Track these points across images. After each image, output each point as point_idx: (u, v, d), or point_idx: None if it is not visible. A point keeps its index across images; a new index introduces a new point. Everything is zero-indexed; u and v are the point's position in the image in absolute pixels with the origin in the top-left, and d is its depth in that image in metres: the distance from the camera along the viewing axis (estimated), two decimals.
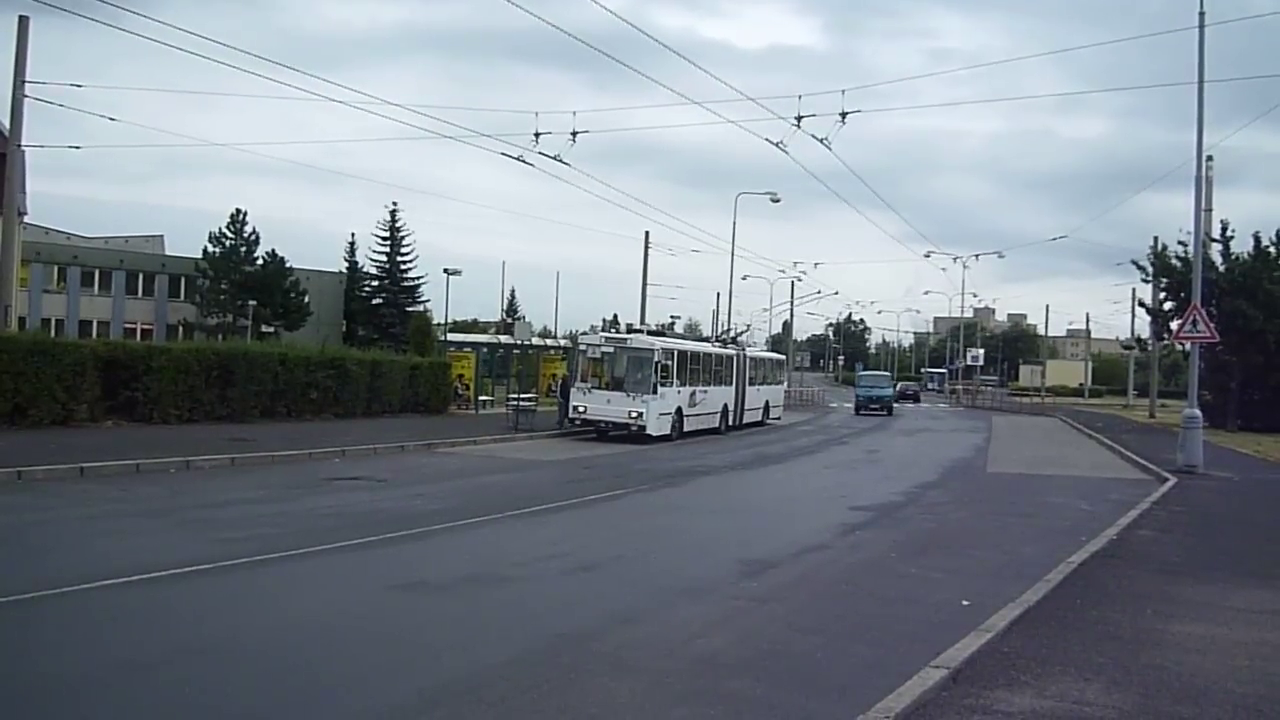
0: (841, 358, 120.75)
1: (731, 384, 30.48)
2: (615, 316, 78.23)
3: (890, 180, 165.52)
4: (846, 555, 10.46)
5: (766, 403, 34.59)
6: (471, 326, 69.90)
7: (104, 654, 5.99)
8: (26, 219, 28.02)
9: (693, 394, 26.78)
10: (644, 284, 41.33)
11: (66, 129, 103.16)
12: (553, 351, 36.81)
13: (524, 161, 23.81)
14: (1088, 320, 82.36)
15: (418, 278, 67.39)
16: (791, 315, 63.89)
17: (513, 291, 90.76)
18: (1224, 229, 34.73)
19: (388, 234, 66.90)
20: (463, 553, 9.96)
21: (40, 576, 7.60)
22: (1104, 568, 9.40)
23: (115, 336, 44.91)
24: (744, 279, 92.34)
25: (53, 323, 49.67)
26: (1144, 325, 44.41)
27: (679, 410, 25.72)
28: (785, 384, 42.56)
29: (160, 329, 55.75)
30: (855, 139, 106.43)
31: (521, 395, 26.70)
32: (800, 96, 27.47)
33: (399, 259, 67.06)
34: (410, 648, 6.43)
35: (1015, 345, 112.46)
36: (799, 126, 22.23)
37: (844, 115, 21.81)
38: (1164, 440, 25.81)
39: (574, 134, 23.15)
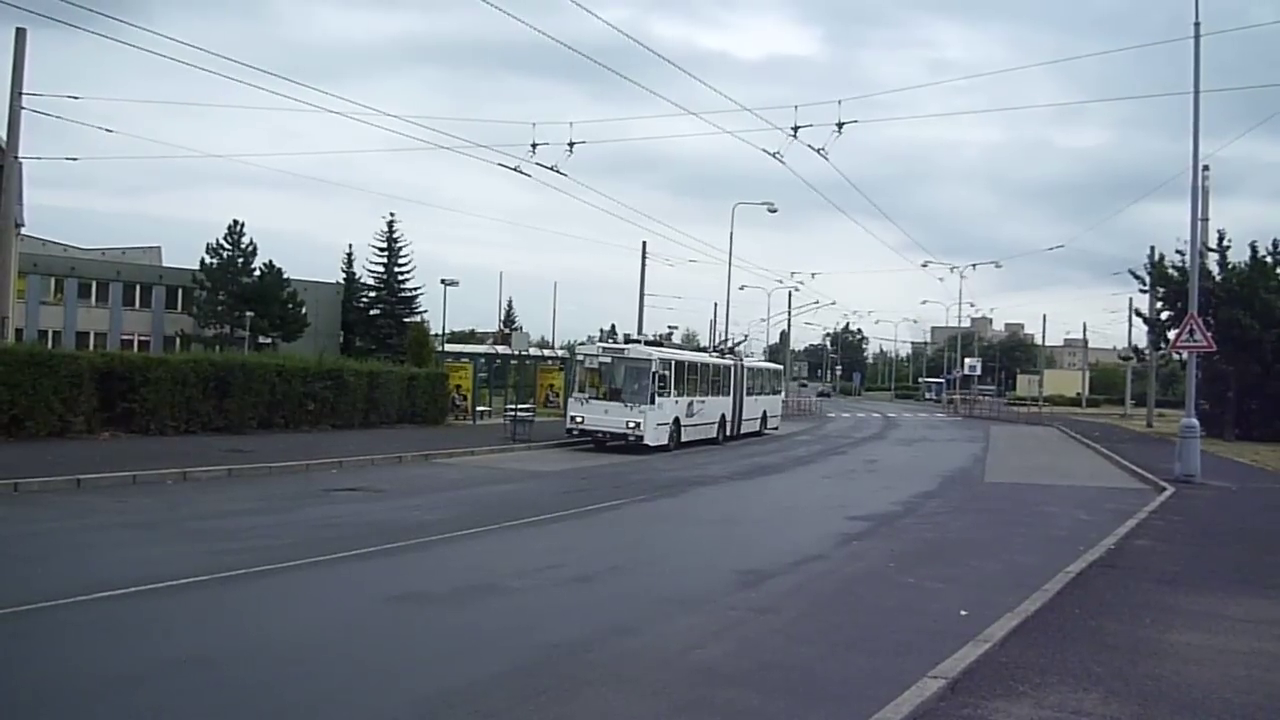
0: (839, 367, 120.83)
1: (729, 394, 30.49)
2: (613, 327, 78.41)
3: (888, 190, 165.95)
4: (844, 565, 10.45)
5: (764, 413, 34.61)
6: (469, 337, 69.95)
7: (99, 666, 5.97)
8: (23, 230, 27.98)
9: (690, 404, 26.79)
10: (641, 294, 41.36)
11: (64, 141, 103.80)
12: (550, 362, 36.81)
13: (521, 172, 23.89)
14: (1085, 330, 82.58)
15: (415, 288, 67.54)
16: (789, 325, 63.86)
17: (510, 302, 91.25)
18: (1221, 239, 34.91)
19: (385, 245, 67.01)
20: (460, 563, 9.94)
21: (36, 589, 7.59)
22: (1102, 577, 9.41)
23: (112, 348, 44.88)
24: (741, 289, 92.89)
25: (50, 334, 49.70)
26: (1141, 335, 44.57)
27: (676, 420, 25.72)
28: (783, 394, 42.58)
29: (157, 340, 55.72)
30: (854, 149, 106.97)
31: (519, 405, 26.69)
32: (797, 107, 27.53)
33: (396, 269, 67.16)
34: (407, 658, 6.42)
35: (1013, 355, 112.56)
36: (795, 137, 22.31)
37: (840, 125, 21.86)
38: (1161, 450, 25.81)
39: (571, 145, 23.23)
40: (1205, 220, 32.35)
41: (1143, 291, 38.41)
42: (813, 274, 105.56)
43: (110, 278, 56.85)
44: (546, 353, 42.44)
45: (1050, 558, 10.60)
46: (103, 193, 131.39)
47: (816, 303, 62.74)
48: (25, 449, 16.17)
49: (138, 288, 57.92)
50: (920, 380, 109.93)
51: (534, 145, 23.23)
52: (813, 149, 22.60)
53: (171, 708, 5.34)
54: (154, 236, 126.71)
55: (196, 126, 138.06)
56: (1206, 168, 30.24)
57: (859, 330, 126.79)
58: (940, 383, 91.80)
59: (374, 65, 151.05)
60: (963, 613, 8.09)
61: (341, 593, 8.40)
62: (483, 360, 33.16)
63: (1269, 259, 34.32)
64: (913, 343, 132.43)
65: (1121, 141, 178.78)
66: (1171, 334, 31.71)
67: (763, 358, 51.83)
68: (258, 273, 57.35)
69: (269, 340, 55.35)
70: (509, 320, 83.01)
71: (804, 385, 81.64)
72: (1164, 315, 36.95)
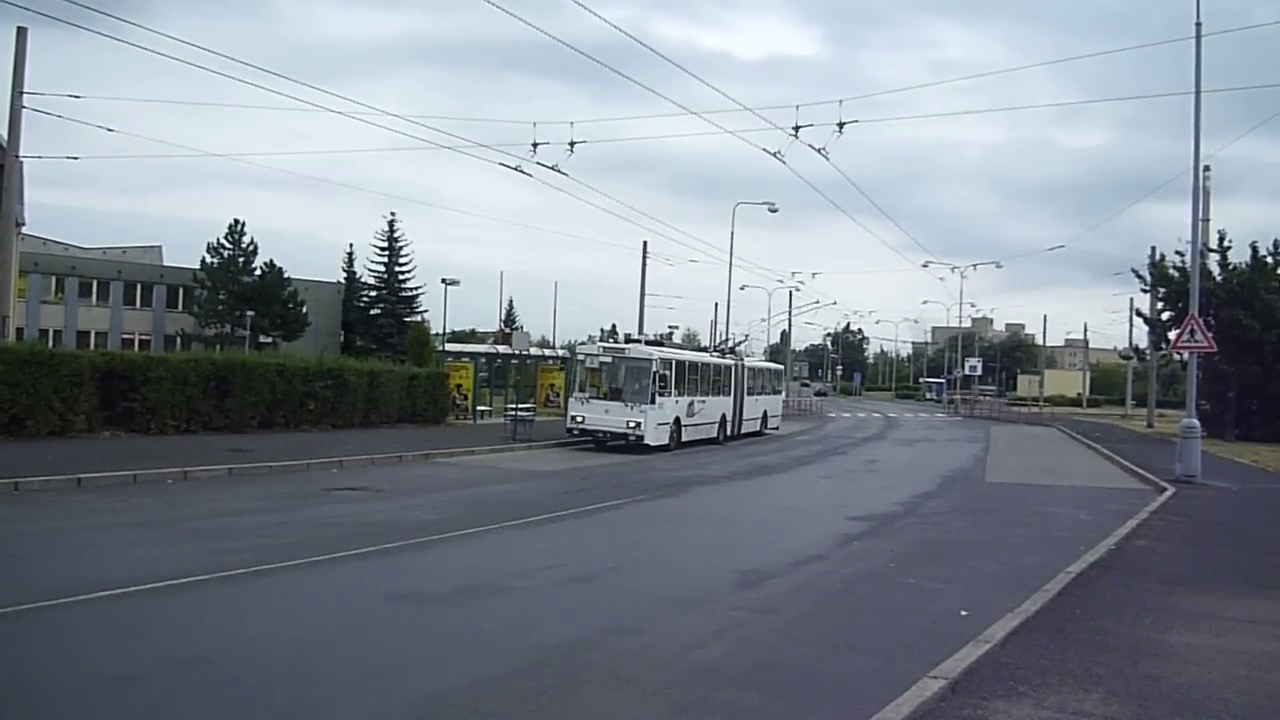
0: (840, 367, 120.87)
1: (730, 394, 30.50)
2: (614, 326, 78.45)
3: (889, 190, 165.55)
4: (845, 566, 10.45)
5: (765, 413, 34.62)
6: (469, 337, 69.82)
7: (99, 666, 5.97)
8: (24, 229, 27.98)
9: (691, 404, 26.80)
10: (642, 294, 41.40)
11: (65, 140, 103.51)
12: (551, 362, 36.82)
13: (522, 171, 23.89)
14: (1086, 330, 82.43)
15: (416, 288, 67.58)
16: (790, 325, 63.84)
17: (511, 301, 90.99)
18: (1221, 239, 34.90)
19: (386, 244, 67.03)
20: (460, 563, 9.94)
21: (36, 588, 7.59)
22: (1102, 578, 9.41)
23: (113, 347, 44.77)
24: (742, 289, 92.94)
25: (51, 333, 49.69)
26: (1142, 335, 44.60)
27: (677, 420, 25.73)
28: (784, 394, 42.57)
29: (158, 339, 55.74)
30: (855, 149, 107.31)
31: (519, 405, 26.70)
32: (798, 107, 27.58)
33: (397, 269, 67.18)
34: (407, 659, 6.41)
35: (1013, 355, 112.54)
36: (796, 137, 22.32)
37: (841, 125, 21.88)
38: (1162, 450, 25.81)
39: (572, 144, 23.24)
40: (1206, 220, 32.38)
41: (1144, 291, 38.44)
42: (813, 274, 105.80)
43: (111, 277, 56.87)
44: (547, 352, 42.39)
45: (1051, 558, 10.60)
46: (103, 192, 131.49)
47: (817, 303, 62.75)
48: (26, 448, 16.18)
49: (138, 287, 57.94)
50: (921, 380, 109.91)
51: (535, 145, 23.26)
52: (814, 149, 22.62)
53: (171, 707, 5.34)
54: (155, 236, 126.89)
55: (198, 126, 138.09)
56: (1207, 168, 30.29)
57: (860, 330, 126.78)
58: (941, 383, 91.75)
59: (375, 65, 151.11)
60: (963, 613, 8.09)
61: (342, 592, 8.40)
62: (483, 360, 33.13)
63: (1270, 259, 34.31)
64: (913, 343, 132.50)
65: (1123, 142, 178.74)
66: (1172, 334, 31.69)
67: (763, 358, 51.84)
68: (258, 272, 57.37)
69: (270, 340, 55.34)
70: (509, 320, 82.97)
71: (806, 385, 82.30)
72: (1164, 315, 36.94)
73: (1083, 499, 17.65)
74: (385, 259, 67.01)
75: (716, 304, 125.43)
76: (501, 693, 5.70)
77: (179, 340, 54.45)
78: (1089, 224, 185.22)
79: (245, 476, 15.59)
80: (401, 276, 67.25)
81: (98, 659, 6.12)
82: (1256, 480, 20.75)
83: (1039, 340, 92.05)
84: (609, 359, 25.38)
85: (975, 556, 11.28)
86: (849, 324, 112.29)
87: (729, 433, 30.06)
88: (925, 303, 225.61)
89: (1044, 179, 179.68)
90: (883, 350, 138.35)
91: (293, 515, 12.41)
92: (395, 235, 66.94)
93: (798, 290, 58.75)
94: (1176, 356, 34.30)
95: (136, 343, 52.69)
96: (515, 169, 23.97)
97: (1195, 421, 19.76)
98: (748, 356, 36.70)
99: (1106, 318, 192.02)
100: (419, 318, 63.61)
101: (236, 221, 57.72)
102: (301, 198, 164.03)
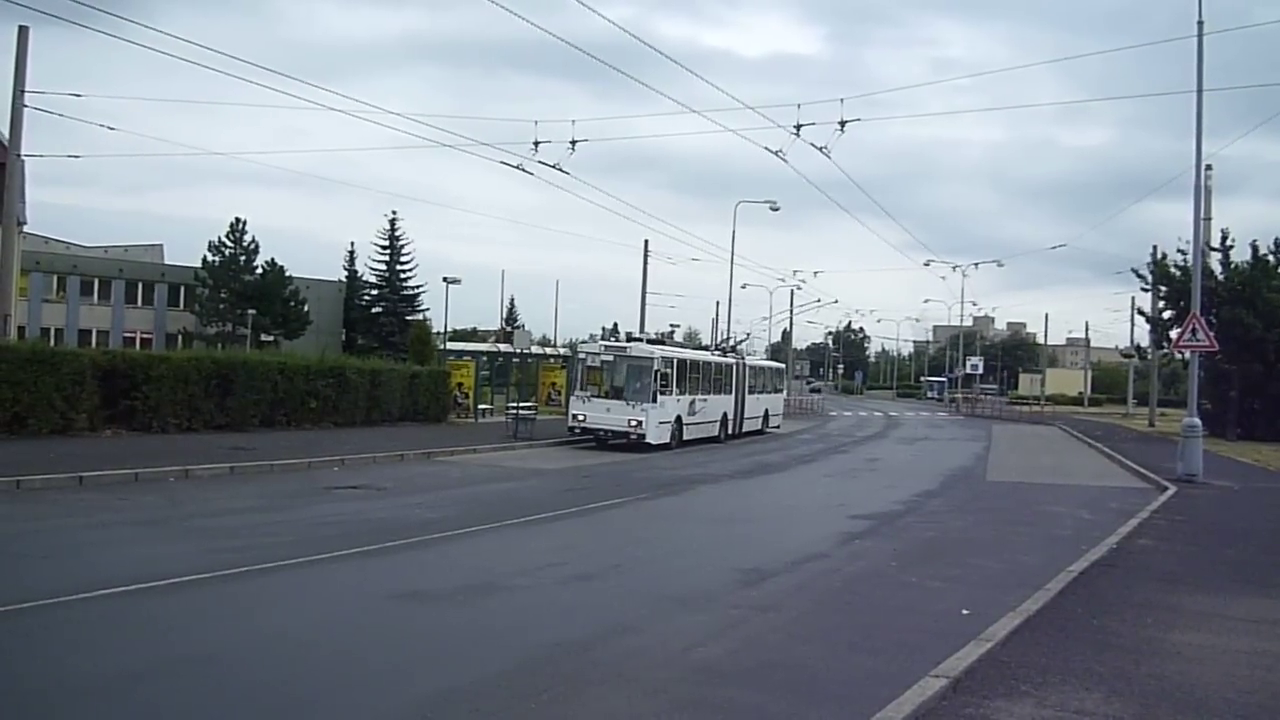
0: (841, 366, 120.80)
1: (731, 392, 30.49)
2: (615, 325, 78.51)
3: (891, 189, 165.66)
4: (846, 564, 10.44)
5: (766, 411, 34.60)
6: (471, 335, 69.86)
7: (98, 665, 5.97)
8: (26, 228, 28.03)
9: (692, 402, 26.79)
10: (643, 292, 41.43)
11: (66, 138, 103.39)
12: (552, 360, 36.82)
13: (524, 170, 23.90)
14: (1087, 329, 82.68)
15: (417, 286, 67.67)
16: (791, 324, 63.82)
17: (512, 300, 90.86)
18: (1224, 238, 34.88)
19: (387, 243, 67.09)
20: (461, 562, 9.95)
21: (37, 586, 7.59)
22: (1104, 577, 9.40)
23: (114, 346, 44.79)
24: (743, 288, 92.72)
25: (52, 332, 49.74)
26: (1143, 334, 44.64)
27: (678, 419, 25.72)
28: (785, 393, 42.58)
29: (159, 338, 55.80)
30: (857, 148, 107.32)
31: (521, 404, 26.67)
32: (800, 105, 27.58)
33: (398, 268, 67.24)
34: (408, 657, 6.41)
35: (1015, 354, 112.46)
36: (798, 135, 22.31)
37: (843, 124, 21.90)
38: (1164, 449, 25.79)
39: (573, 143, 23.25)
40: (1208, 219, 32.41)
41: (1145, 290, 38.44)
42: (815, 272, 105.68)
43: (113, 275, 56.92)
44: (548, 351, 42.43)
45: (1052, 557, 10.59)
46: (105, 190, 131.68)
47: (819, 301, 62.66)
48: (28, 446, 16.18)
49: (140, 285, 58.01)
50: (922, 379, 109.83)
51: (536, 143, 23.27)
52: (815, 147, 22.63)
53: (172, 705, 5.35)
54: (156, 234, 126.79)
55: (199, 124, 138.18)
56: (1209, 167, 30.26)
57: (861, 329, 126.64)
58: (942, 381, 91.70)
59: (377, 63, 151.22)
60: (964, 612, 8.08)
61: (343, 591, 8.40)
62: (485, 358, 33.11)
63: (1271, 258, 34.29)
64: (915, 341, 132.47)
65: (1124, 140, 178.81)
66: (1174, 333, 31.73)
67: (764, 356, 51.84)
68: (260, 271, 57.44)
69: (271, 338, 55.37)
70: (511, 318, 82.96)
71: (810, 383, 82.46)
72: (1166, 314, 36.92)
73: (1084, 498, 17.64)
74: (387, 257, 67.10)
75: (718, 302, 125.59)
76: (503, 691, 5.70)
77: (180, 339, 54.47)
78: (1091, 222, 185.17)
79: (247, 475, 15.59)
80: (403, 275, 67.32)
81: (99, 657, 6.12)
82: (1258, 479, 20.73)
83: (1040, 339, 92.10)
84: (610, 357, 25.37)
85: (977, 555, 11.27)
86: (850, 323, 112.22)
87: (730, 431, 30.05)
88: (927, 301, 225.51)
89: (1045, 177, 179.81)
90: (884, 349, 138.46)
91: (294, 513, 12.42)
92: (397, 234, 67.07)
93: (799, 289, 58.76)
94: (1178, 355, 34.30)
95: (138, 341, 52.74)
96: (517, 167, 24.01)
97: (1197, 420, 19.75)
98: (749, 355, 36.69)
99: (1108, 316, 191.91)
100: (420, 316, 63.76)
101: (238, 220, 57.91)
102: (303, 196, 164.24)
